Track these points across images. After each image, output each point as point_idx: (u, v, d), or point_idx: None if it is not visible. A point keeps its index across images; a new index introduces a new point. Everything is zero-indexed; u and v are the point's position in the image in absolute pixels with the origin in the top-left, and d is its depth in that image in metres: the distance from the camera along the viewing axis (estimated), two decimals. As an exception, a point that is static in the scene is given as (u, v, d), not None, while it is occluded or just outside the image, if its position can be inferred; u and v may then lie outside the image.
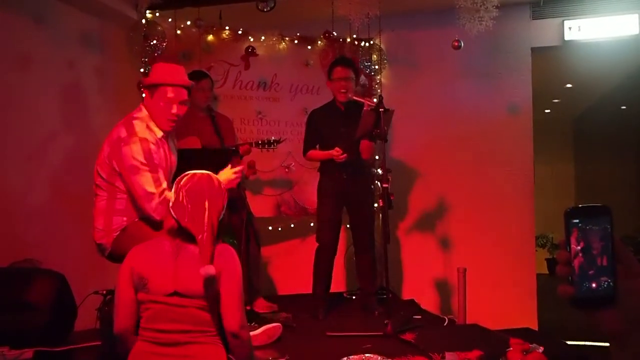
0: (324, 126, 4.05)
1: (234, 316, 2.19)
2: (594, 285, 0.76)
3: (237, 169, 2.97)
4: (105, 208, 2.85)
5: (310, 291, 4.08)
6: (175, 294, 2.18)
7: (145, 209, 2.78)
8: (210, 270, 2.14)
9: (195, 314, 2.19)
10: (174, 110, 2.88)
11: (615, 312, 0.77)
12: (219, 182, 2.38)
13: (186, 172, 2.38)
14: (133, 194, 2.79)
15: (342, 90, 3.94)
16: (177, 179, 2.36)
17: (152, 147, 2.80)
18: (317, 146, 4.10)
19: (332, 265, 4.06)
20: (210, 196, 2.28)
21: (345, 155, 3.87)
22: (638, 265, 0.79)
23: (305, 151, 4.14)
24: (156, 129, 2.88)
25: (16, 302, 3.12)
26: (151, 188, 2.75)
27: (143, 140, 2.77)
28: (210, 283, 2.17)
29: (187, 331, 2.18)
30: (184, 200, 2.26)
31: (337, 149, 3.87)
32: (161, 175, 2.81)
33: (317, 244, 4.05)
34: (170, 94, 2.86)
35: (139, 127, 2.82)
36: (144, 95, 3.01)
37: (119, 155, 2.76)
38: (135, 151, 2.73)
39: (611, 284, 0.76)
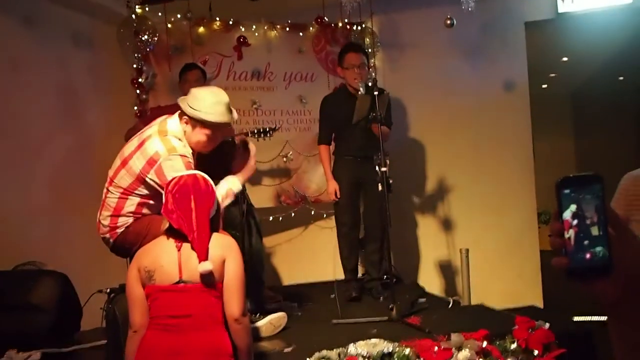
0: (338, 113, 4.00)
1: (237, 302, 2.31)
2: (588, 255, 0.75)
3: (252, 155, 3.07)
4: (114, 206, 2.87)
5: (313, 279, 4.08)
6: (181, 281, 2.28)
7: None
8: (207, 266, 2.26)
9: (201, 298, 2.29)
10: (211, 147, 2.95)
11: (610, 280, 0.75)
12: (205, 181, 2.44)
13: (174, 176, 2.46)
14: None
15: (356, 78, 3.88)
16: (166, 184, 2.44)
17: (190, 162, 2.83)
18: (334, 135, 4.09)
19: (355, 244, 4.10)
20: (195, 196, 2.36)
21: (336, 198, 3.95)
22: (631, 231, 0.78)
23: (320, 140, 4.11)
24: (189, 148, 2.90)
25: (21, 304, 3.14)
26: None
27: (183, 157, 2.79)
28: (209, 276, 2.28)
29: (194, 315, 2.26)
30: (173, 205, 2.35)
31: (336, 191, 3.93)
32: None
33: (328, 229, 4.06)
34: (213, 134, 2.90)
35: (177, 143, 2.84)
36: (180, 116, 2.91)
37: (159, 169, 2.76)
38: (178, 167, 2.74)
39: (606, 252, 0.75)
